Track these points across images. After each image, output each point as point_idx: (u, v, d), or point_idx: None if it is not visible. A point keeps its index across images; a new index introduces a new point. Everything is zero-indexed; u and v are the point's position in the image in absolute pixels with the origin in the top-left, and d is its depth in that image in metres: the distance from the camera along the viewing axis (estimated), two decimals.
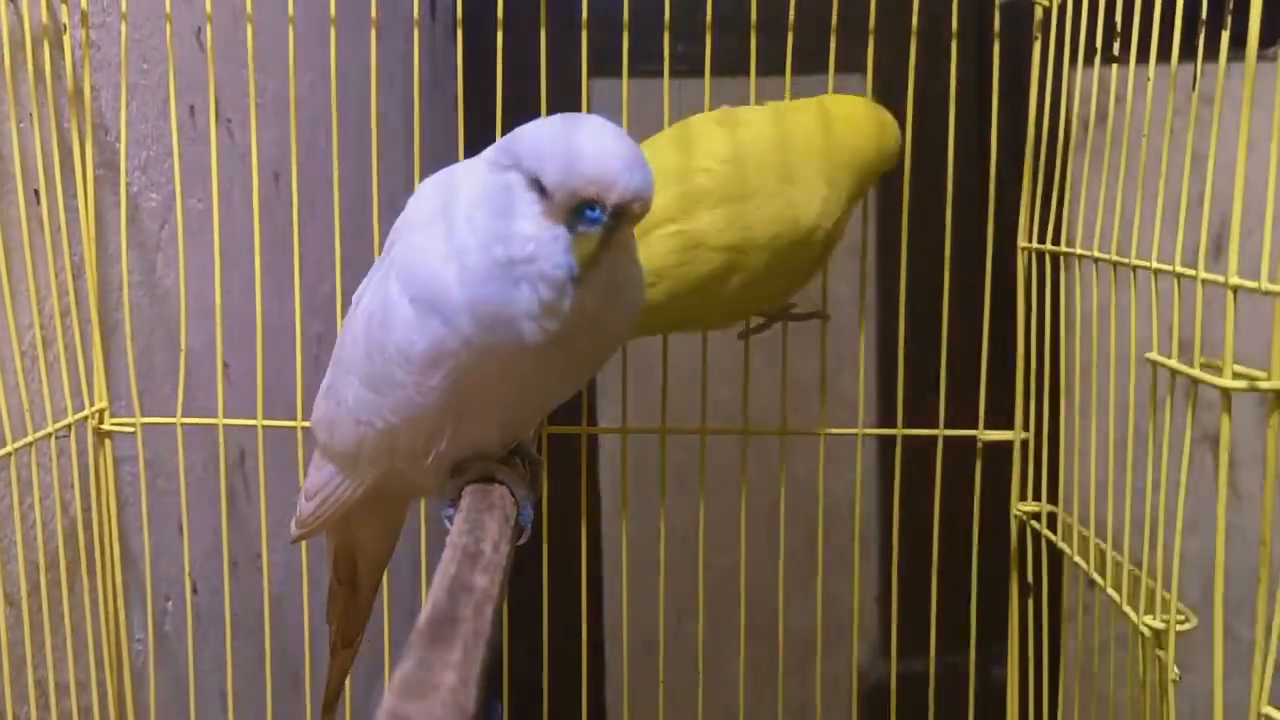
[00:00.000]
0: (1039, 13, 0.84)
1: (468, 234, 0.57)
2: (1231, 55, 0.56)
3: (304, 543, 0.87)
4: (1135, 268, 0.68)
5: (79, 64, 0.80)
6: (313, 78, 1.00)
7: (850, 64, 0.87)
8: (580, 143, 0.54)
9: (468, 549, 0.49)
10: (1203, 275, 0.59)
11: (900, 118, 0.84)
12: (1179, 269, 0.62)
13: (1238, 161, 0.55)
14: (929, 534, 0.90)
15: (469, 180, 0.59)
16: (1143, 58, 0.69)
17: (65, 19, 0.78)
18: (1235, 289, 0.57)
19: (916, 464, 0.90)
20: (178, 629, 0.89)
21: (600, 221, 0.54)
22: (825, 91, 0.85)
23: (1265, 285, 0.54)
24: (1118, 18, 0.72)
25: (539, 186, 0.55)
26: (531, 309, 0.55)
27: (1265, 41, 0.54)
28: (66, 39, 0.79)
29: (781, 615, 0.92)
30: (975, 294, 0.87)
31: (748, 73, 0.86)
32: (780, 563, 0.91)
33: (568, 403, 0.73)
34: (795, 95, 0.85)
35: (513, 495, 0.62)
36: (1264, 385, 0.56)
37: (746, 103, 0.84)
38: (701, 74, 0.86)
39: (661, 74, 0.85)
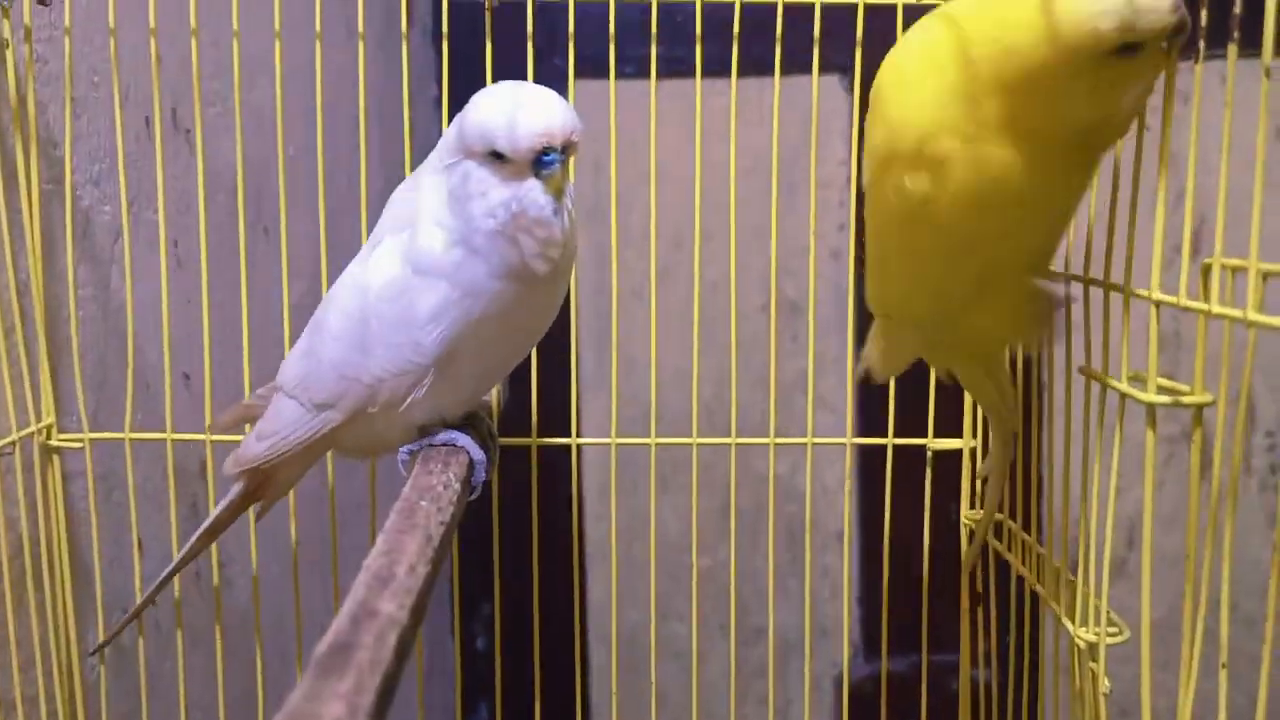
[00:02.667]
0: None
1: (463, 222, 0.67)
2: (1209, 54, 0.55)
3: (254, 557, 0.88)
4: (1068, 278, 0.68)
5: (22, 79, 0.79)
6: (266, 84, 1.00)
7: (834, 66, 0.87)
8: (517, 110, 0.64)
9: (380, 573, 0.49)
10: (1131, 290, 0.59)
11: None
12: (1109, 282, 0.62)
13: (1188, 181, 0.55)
14: (897, 538, 0.90)
15: (433, 188, 0.69)
16: None
17: (7, 34, 0.78)
18: (1159, 304, 0.57)
19: (872, 470, 0.90)
20: (133, 643, 0.89)
21: (557, 160, 0.64)
22: (809, 92, 0.86)
23: (1184, 301, 0.54)
24: None
25: (496, 157, 0.64)
26: (533, 250, 0.66)
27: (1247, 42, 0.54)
28: (9, 54, 0.78)
29: (772, 616, 0.92)
30: None
31: (729, 76, 0.86)
32: (770, 564, 0.91)
33: (557, 412, 0.74)
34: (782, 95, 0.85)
35: (470, 458, 0.71)
36: (1187, 400, 0.56)
37: (729, 103, 0.85)
38: (685, 75, 0.85)
39: (646, 76, 0.86)
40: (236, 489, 0.79)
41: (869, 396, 0.94)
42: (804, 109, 0.87)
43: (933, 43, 0.63)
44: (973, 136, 0.60)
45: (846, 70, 0.86)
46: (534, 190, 0.65)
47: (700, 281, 0.88)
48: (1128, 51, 0.55)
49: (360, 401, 0.72)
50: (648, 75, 0.86)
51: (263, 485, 0.81)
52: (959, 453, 0.89)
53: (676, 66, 1.02)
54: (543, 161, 0.64)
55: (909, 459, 0.90)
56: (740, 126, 0.87)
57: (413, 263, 0.69)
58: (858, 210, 0.88)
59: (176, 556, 0.81)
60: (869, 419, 0.96)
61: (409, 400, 0.71)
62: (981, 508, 0.86)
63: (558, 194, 0.65)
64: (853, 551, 1.60)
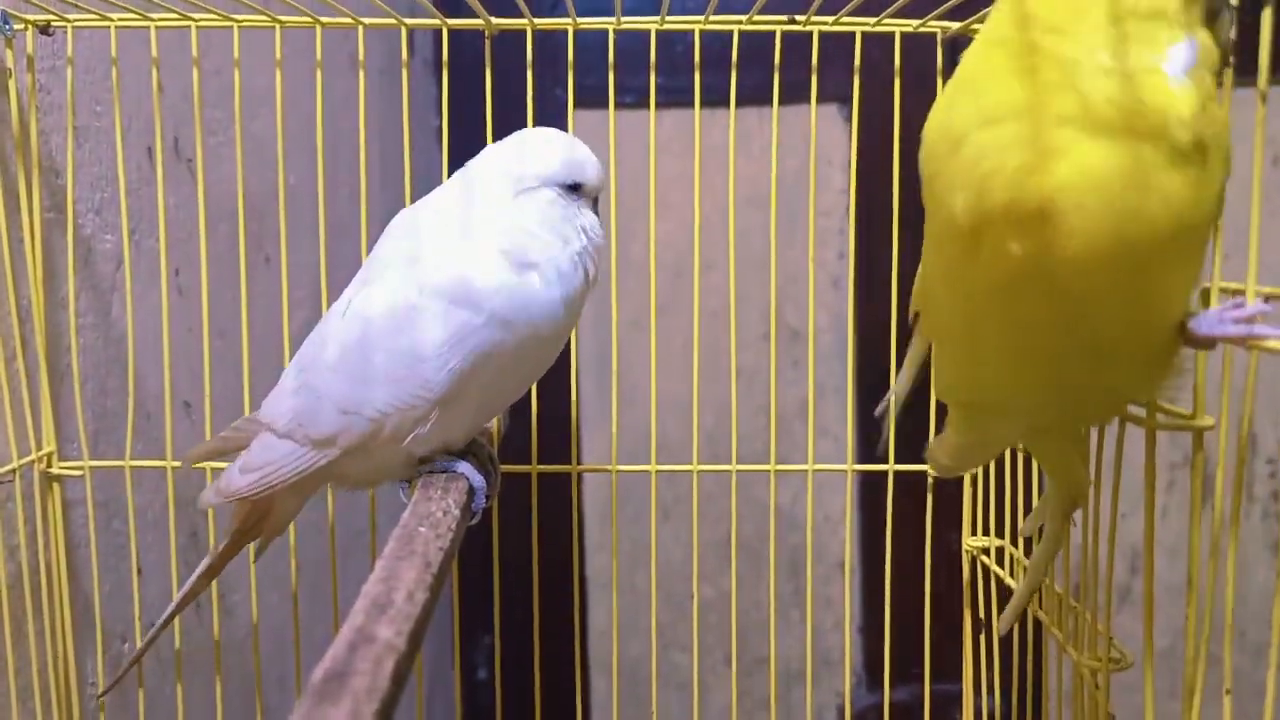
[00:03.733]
0: None
1: (542, 247, 0.71)
2: None
3: (255, 586, 0.88)
4: None
5: (25, 109, 0.80)
6: (267, 114, 1.00)
7: (833, 95, 0.87)
8: (580, 147, 0.74)
9: (378, 599, 0.49)
10: None
11: (887, 155, 0.84)
12: None
13: None
14: (906, 565, 0.90)
15: (498, 204, 0.71)
16: None
17: (10, 63, 0.79)
18: None
19: (874, 497, 0.90)
20: (132, 670, 0.89)
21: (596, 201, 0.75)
22: (808, 120, 0.85)
23: None
24: None
25: (573, 189, 0.72)
26: (594, 274, 0.74)
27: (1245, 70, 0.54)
28: (12, 84, 0.79)
29: (773, 645, 0.92)
30: None
31: (729, 105, 0.86)
32: (772, 593, 0.90)
33: (558, 440, 0.74)
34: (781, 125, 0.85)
35: (470, 484, 0.72)
36: (1187, 425, 0.56)
37: (728, 133, 0.85)
38: (684, 105, 0.86)
39: (646, 105, 0.86)
40: (233, 527, 0.79)
41: (869, 424, 0.94)
42: (803, 138, 0.87)
43: (995, 68, 0.52)
44: (1101, 157, 0.48)
45: (845, 99, 0.86)
46: (596, 220, 0.74)
47: (701, 310, 0.88)
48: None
49: (362, 437, 0.71)
50: (647, 105, 0.86)
51: (260, 521, 0.80)
52: (959, 479, 0.89)
53: (676, 96, 1.02)
54: (595, 200, 0.75)
55: (910, 486, 0.90)
56: (740, 156, 0.87)
57: (450, 292, 0.68)
58: (857, 238, 0.89)
59: (176, 595, 0.80)
60: (870, 446, 0.95)
61: (414, 434, 0.71)
62: (984, 534, 0.86)
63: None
64: (854, 579, 1.59)
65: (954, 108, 0.53)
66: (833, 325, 1.64)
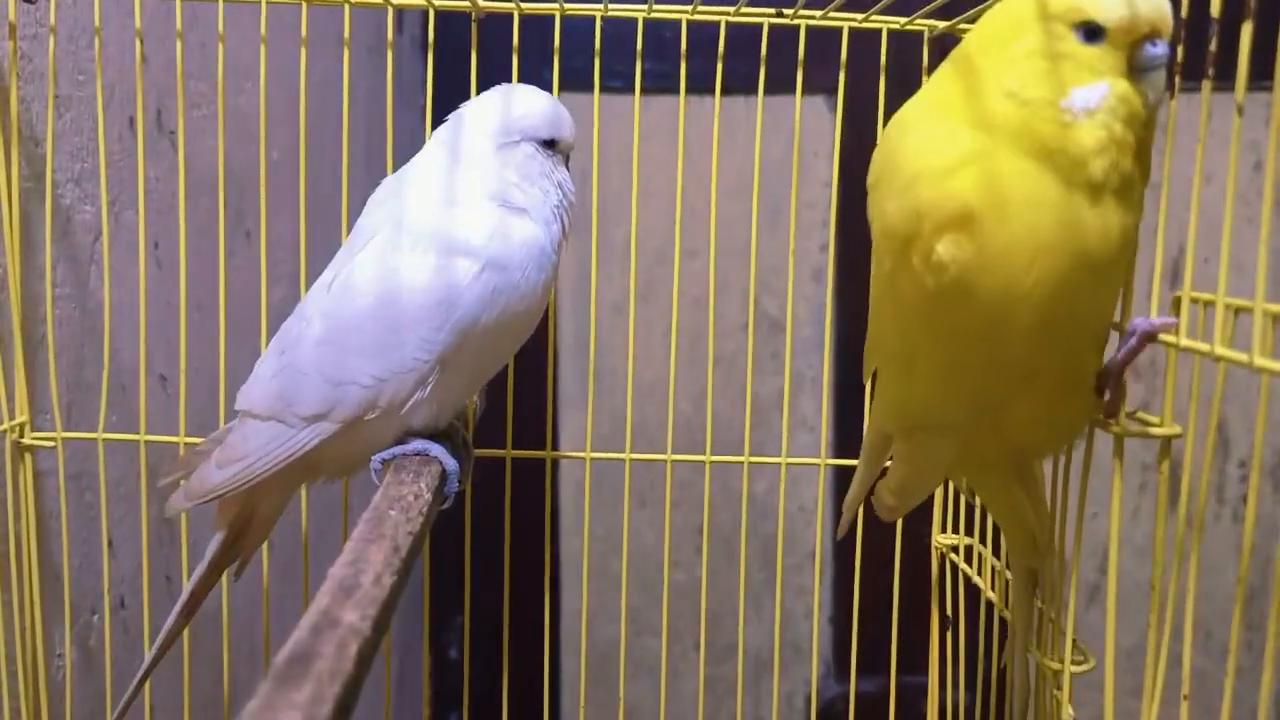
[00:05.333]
0: None
1: (526, 196, 0.73)
2: (1184, 87, 0.56)
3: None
4: None
5: (4, 76, 0.79)
6: (251, 89, 1.00)
7: (820, 87, 0.87)
8: (558, 105, 0.76)
9: (344, 582, 0.49)
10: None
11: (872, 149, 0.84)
12: None
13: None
14: (869, 560, 0.90)
15: (481, 157, 0.73)
16: None
17: None
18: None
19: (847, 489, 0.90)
20: (99, 643, 0.89)
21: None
22: (791, 111, 0.85)
23: (1182, 341, 0.55)
24: None
25: (549, 144, 0.74)
26: (567, 228, 0.75)
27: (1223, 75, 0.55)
28: None
29: (742, 633, 0.92)
30: None
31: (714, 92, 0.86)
32: (742, 582, 0.91)
33: (534, 424, 0.76)
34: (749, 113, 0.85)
35: (443, 468, 0.71)
36: (1156, 432, 0.56)
37: (707, 119, 0.85)
38: (670, 92, 0.85)
39: (633, 90, 0.86)
40: (217, 541, 0.77)
41: (846, 416, 0.95)
42: (789, 129, 0.88)
43: (930, 95, 0.60)
44: (1010, 171, 0.53)
45: (832, 92, 0.86)
46: (567, 174, 0.76)
47: (682, 297, 0.88)
48: (1091, 38, 0.53)
49: (359, 407, 0.70)
50: (634, 90, 0.86)
51: (240, 535, 0.78)
52: None
53: (663, 82, 1.02)
54: (566, 155, 0.76)
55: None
56: (726, 144, 0.87)
57: (444, 243, 0.69)
58: (839, 232, 0.89)
59: (174, 613, 0.78)
60: (846, 438, 0.96)
61: (412, 399, 0.70)
62: (954, 532, 0.86)
63: None
64: (826, 570, 1.60)
65: (897, 128, 0.60)
66: (813, 317, 1.65)
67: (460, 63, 0.85)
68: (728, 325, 1.60)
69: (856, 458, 0.89)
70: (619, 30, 0.85)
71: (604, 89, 0.85)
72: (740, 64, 0.86)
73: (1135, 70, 0.54)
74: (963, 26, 0.82)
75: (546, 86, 0.83)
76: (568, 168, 0.77)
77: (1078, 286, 0.53)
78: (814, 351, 1.65)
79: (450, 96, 0.80)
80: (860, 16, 0.82)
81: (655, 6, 0.82)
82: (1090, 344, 0.57)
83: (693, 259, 1.40)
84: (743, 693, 0.93)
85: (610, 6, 0.82)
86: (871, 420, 0.72)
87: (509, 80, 0.83)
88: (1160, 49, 0.53)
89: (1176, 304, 0.55)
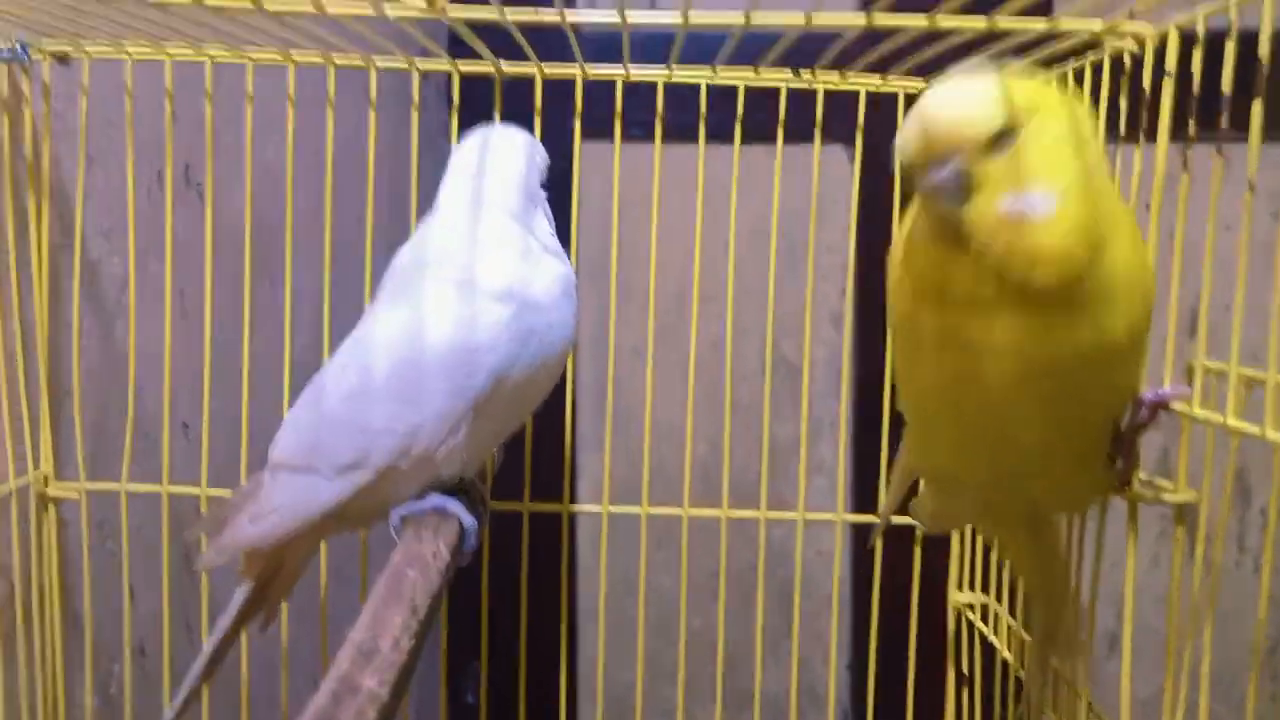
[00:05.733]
0: None
1: (548, 238, 0.76)
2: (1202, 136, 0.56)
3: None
4: None
5: (39, 136, 0.81)
6: (278, 143, 1.02)
7: (839, 136, 0.88)
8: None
9: (363, 646, 0.49)
10: None
11: (890, 197, 0.85)
12: None
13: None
14: (886, 615, 0.90)
15: (531, 211, 0.76)
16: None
17: (27, 91, 0.80)
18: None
19: (865, 540, 0.90)
20: (119, 694, 0.89)
21: None
22: (810, 160, 0.87)
23: (1196, 411, 0.55)
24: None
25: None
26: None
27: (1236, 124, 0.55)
28: (27, 111, 0.80)
29: (759, 680, 0.92)
30: None
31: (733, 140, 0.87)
32: (759, 632, 0.91)
33: (552, 473, 0.79)
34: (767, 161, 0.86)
35: (461, 525, 0.71)
36: (1169, 498, 0.56)
37: (730, 166, 0.86)
38: (690, 141, 0.86)
39: (652, 139, 0.87)
40: (243, 592, 0.76)
41: (863, 467, 0.95)
42: (809, 174, 0.89)
43: None
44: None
45: (851, 141, 0.87)
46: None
47: (700, 343, 0.89)
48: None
49: (392, 455, 0.70)
50: (654, 139, 0.87)
51: (269, 582, 0.78)
52: (948, 534, 0.89)
53: (684, 131, 1.03)
54: None
55: (900, 534, 0.90)
56: (744, 192, 0.88)
57: (482, 289, 0.70)
58: (856, 279, 0.89)
59: (198, 665, 0.76)
60: (863, 489, 0.96)
61: (446, 446, 0.70)
62: (971, 590, 0.86)
63: None
64: (843, 622, 1.60)
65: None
66: (831, 363, 1.65)
67: (484, 117, 0.86)
68: (747, 371, 1.60)
69: (874, 507, 0.90)
70: (640, 84, 0.86)
71: (624, 137, 0.86)
72: (760, 111, 0.87)
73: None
74: None
75: (569, 139, 0.84)
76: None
77: (1072, 376, 0.53)
78: (832, 397, 1.65)
79: None
80: (878, 80, 0.83)
81: (676, 70, 0.83)
82: (1100, 424, 0.57)
83: (711, 304, 1.41)
84: None
85: (632, 72, 0.83)
86: (901, 452, 0.72)
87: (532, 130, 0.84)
88: (936, 175, 0.52)
89: (1191, 371, 0.55)
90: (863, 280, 0.91)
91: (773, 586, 0.95)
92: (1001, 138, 0.51)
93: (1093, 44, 0.65)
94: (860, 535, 1.10)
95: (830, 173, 0.89)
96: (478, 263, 0.71)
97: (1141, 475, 0.57)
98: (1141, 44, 0.61)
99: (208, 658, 0.75)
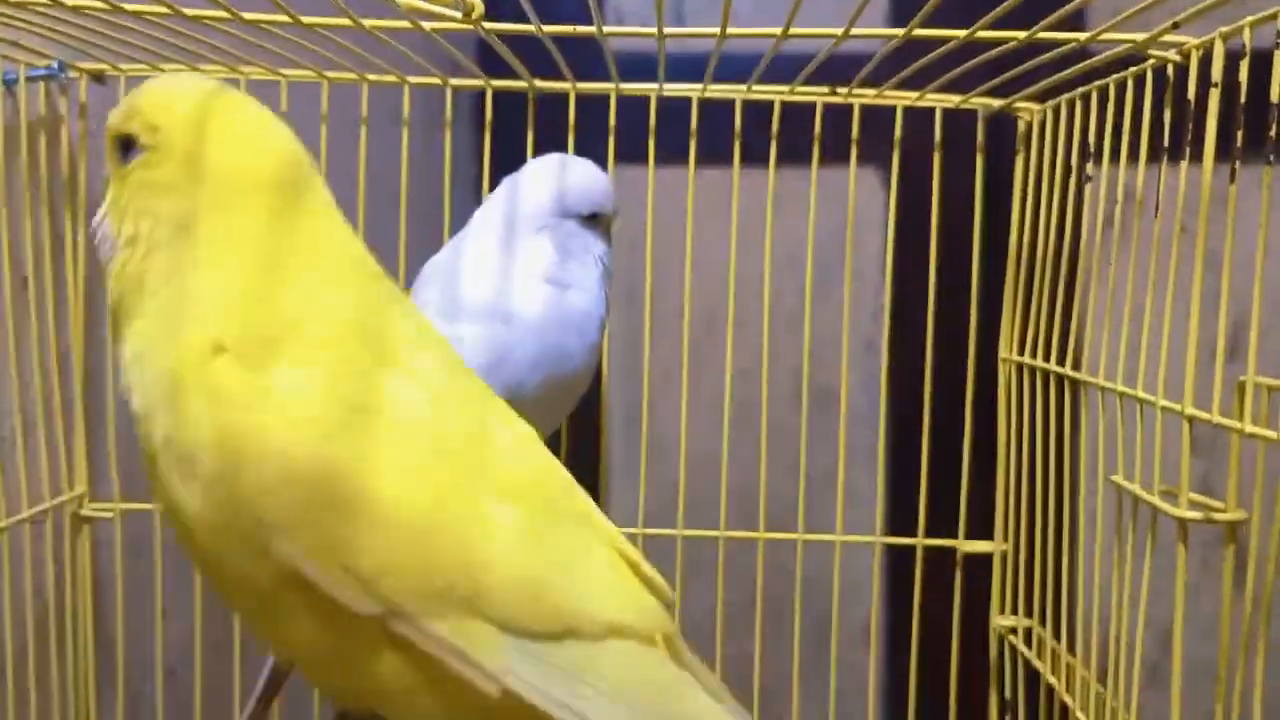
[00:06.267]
0: (1021, 125, 0.84)
1: (571, 271, 0.76)
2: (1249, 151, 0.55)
3: None
4: (1103, 390, 0.67)
5: (75, 154, 0.81)
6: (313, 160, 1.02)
7: (872, 159, 0.87)
8: (598, 177, 0.80)
9: None
10: (1161, 403, 0.59)
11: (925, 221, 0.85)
12: (1141, 394, 0.62)
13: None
14: (926, 641, 0.88)
15: (527, 238, 0.76)
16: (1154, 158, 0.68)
17: (63, 110, 0.80)
18: (1191, 419, 0.56)
19: (902, 570, 0.89)
20: (152, 713, 0.89)
21: None
22: (845, 185, 0.87)
23: (1217, 419, 0.54)
24: (1092, 120, 0.72)
25: (592, 219, 0.78)
26: (608, 293, 0.79)
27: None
28: (64, 129, 0.80)
29: (796, 708, 0.91)
30: (960, 402, 0.87)
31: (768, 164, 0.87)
32: (795, 660, 0.89)
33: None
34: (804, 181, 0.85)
35: None
36: (1219, 517, 0.55)
37: (765, 192, 0.86)
38: (723, 164, 0.86)
39: (684, 162, 0.87)
40: None
41: (901, 491, 0.93)
42: (841, 198, 0.88)
43: None
44: None
45: (885, 164, 0.86)
46: (606, 246, 0.79)
47: (734, 369, 0.88)
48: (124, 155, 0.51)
49: None
50: (687, 162, 0.86)
51: None
52: (990, 556, 0.88)
53: (717, 155, 1.02)
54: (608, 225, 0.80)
55: (941, 557, 0.89)
56: (779, 216, 0.87)
57: (497, 314, 0.73)
58: (893, 302, 0.88)
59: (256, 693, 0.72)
60: (901, 514, 0.94)
61: None
62: (1014, 613, 0.85)
63: None
64: (880, 650, 1.57)
65: None
66: (866, 388, 1.63)
67: (517, 136, 0.86)
68: (780, 394, 1.59)
69: (911, 531, 0.88)
70: (672, 104, 0.86)
71: (657, 162, 0.86)
72: (794, 134, 0.86)
73: None
74: (1019, 105, 0.82)
75: (602, 160, 0.83)
76: (609, 236, 0.80)
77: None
78: (867, 424, 1.63)
79: (506, 170, 0.82)
80: (914, 95, 0.82)
81: (711, 87, 0.83)
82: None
83: (743, 329, 1.39)
84: None
85: (666, 87, 0.83)
86: None
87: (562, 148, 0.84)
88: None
89: (1241, 388, 0.54)
90: (898, 304, 0.90)
91: (810, 613, 0.94)
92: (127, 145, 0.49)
93: (1134, 57, 0.64)
94: (897, 561, 1.09)
95: (861, 197, 0.88)
96: (495, 292, 0.74)
97: (1191, 495, 0.56)
98: (1185, 56, 0.60)
99: (265, 684, 0.74)
